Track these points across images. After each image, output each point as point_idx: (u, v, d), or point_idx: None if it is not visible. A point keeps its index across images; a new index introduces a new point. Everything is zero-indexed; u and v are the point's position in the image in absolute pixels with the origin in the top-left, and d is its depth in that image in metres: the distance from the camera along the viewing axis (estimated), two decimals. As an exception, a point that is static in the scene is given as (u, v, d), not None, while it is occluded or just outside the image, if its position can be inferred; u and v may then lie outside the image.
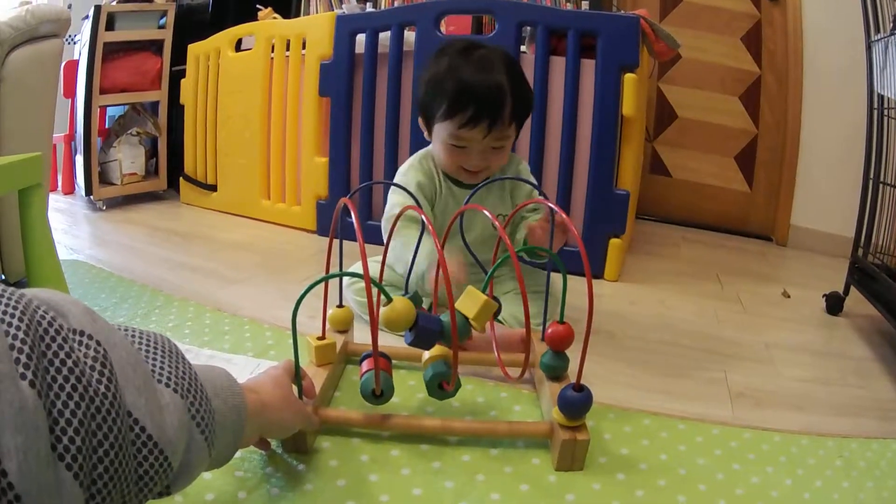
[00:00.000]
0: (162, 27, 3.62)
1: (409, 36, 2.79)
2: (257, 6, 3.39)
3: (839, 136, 3.39)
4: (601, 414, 1.56)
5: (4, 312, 0.54)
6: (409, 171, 1.91)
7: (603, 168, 2.54)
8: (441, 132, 1.75)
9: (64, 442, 0.54)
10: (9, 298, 0.56)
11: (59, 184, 3.89)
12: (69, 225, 2.92)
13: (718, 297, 2.64)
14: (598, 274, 2.64)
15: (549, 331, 1.42)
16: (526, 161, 2.10)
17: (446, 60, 1.73)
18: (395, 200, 1.84)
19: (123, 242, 2.53)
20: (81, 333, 0.62)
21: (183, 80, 3.54)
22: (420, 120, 1.83)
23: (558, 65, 2.55)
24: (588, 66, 2.51)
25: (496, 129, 1.68)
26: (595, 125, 2.51)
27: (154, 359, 0.73)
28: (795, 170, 3.63)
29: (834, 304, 2.54)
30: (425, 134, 1.84)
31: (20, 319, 0.54)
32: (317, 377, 1.40)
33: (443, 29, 2.78)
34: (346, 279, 1.91)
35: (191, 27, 3.60)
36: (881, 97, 2.33)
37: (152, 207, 3.16)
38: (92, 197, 3.21)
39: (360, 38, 2.85)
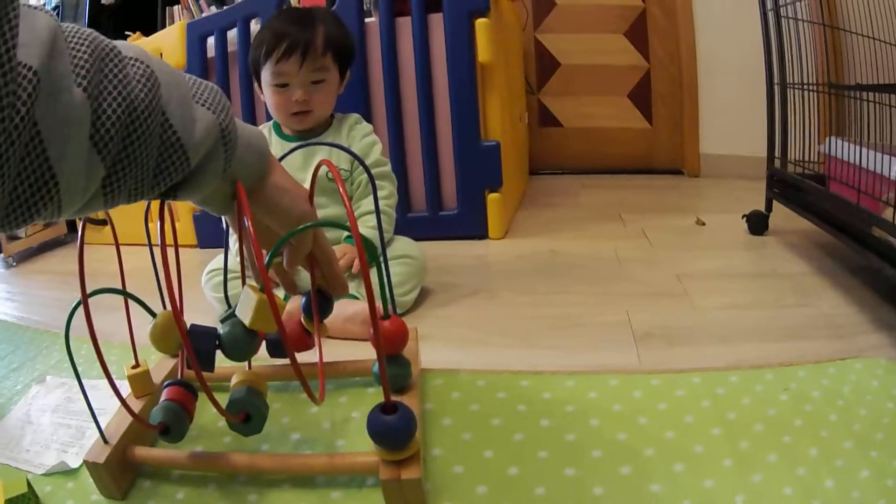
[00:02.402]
0: None
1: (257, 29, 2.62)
2: (126, 33, 3.28)
3: (738, 53, 3.27)
4: (469, 383, 1.33)
5: (74, 44, 0.66)
6: None
7: (466, 121, 2.44)
8: (266, 78, 1.81)
9: (101, 132, 0.67)
10: (79, 34, 0.68)
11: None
12: (-17, 286, 2.90)
13: (620, 237, 2.44)
14: (482, 234, 2.50)
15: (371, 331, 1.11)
16: (368, 125, 2.00)
17: (266, 23, 1.86)
18: None
19: (27, 292, 2.44)
20: (135, 59, 0.74)
21: (64, 118, 3.34)
22: (255, 85, 1.90)
23: (406, 25, 2.45)
24: (437, 21, 2.41)
25: (310, 56, 1.73)
26: (451, 78, 2.42)
27: (198, 87, 0.84)
28: (697, 97, 3.52)
29: (757, 223, 2.32)
30: (261, 96, 1.89)
31: (87, 47, 0.67)
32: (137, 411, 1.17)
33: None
34: (203, 275, 1.85)
35: None
36: None
37: (56, 254, 3.11)
38: (2, 255, 3.05)
39: (212, 42, 2.75)
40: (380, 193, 1.85)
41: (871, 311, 1.60)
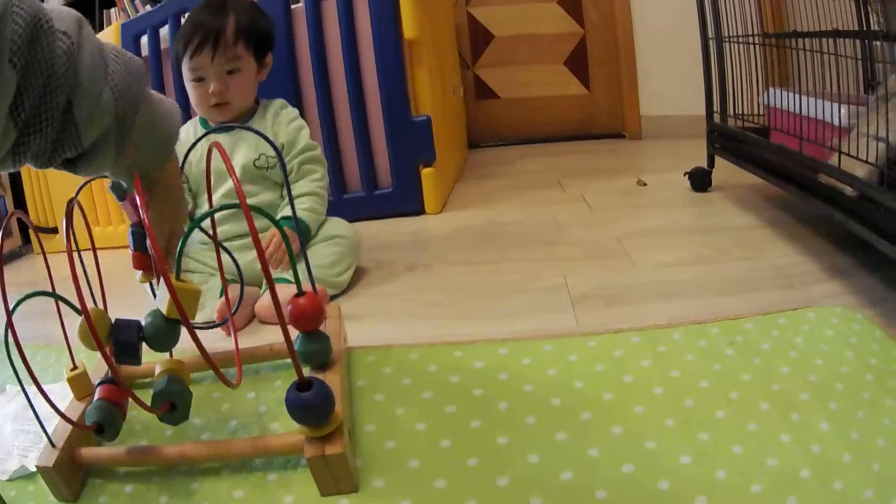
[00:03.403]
0: None
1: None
2: None
3: (673, 12, 3.23)
4: (401, 358, 1.30)
5: (15, 16, 0.72)
6: None
7: (395, 97, 2.42)
8: (184, 74, 1.81)
9: (19, 103, 0.74)
10: (21, 6, 0.73)
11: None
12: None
13: (559, 202, 2.41)
14: (419, 210, 2.46)
15: (289, 307, 1.12)
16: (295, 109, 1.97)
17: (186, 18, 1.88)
18: None
19: None
20: (64, 33, 0.78)
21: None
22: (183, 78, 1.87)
23: (331, 7, 2.41)
24: (362, 1, 2.39)
25: (221, 48, 1.72)
26: (377, 55, 2.40)
27: (116, 68, 0.85)
28: (634, 59, 3.51)
29: (699, 180, 2.29)
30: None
31: (24, 20, 0.72)
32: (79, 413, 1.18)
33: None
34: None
35: None
36: None
37: (11, 266, 3.03)
38: None
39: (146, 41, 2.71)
40: (313, 177, 1.84)
41: (823, 259, 1.56)
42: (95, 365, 1.34)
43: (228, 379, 0.99)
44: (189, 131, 1.91)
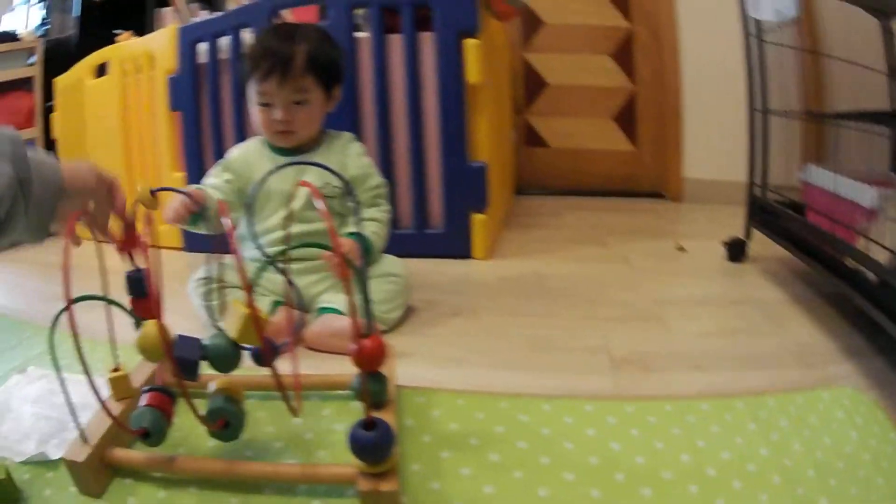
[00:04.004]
0: (31, 64, 3.52)
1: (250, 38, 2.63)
2: (114, 31, 3.19)
3: (721, 78, 3.22)
4: (449, 402, 1.36)
5: None
6: (233, 149, 1.97)
7: (454, 141, 2.42)
8: (251, 96, 1.80)
9: None
10: None
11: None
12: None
13: (602, 260, 2.45)
14: (466, 253, 2.47)
15: (353, 346, 1.11)
16: (361, 144, 1.99)
17: (255, 39, 1.90)
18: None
19: (7, 281, 2.47)
20: None
21: (52, 115, 3.38)
22: (247, 98, 1.87)
23: (396, 42, 2.44)
24: (427, 40, 2.41)
25: (289, 78, 1.72)
26: (440, 98, 2.41)
27: (2, 141, 0.93)
28: (680, 121, 3.48)
29: (735, 250, 2.34)
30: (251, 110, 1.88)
31: None
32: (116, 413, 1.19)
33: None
34: (191, 283, 1.84)
35: (60, 61, 3.43)
36: (757, 22, 2.24)
37: (47, 245, 2.99)
38: None
39: (204, 48, 2.72)
40: (382, 209, 1.87)
41: (841, 338, 1.63)
42: (132, 369, 1.36)
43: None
44: (251, 149, 1.92)
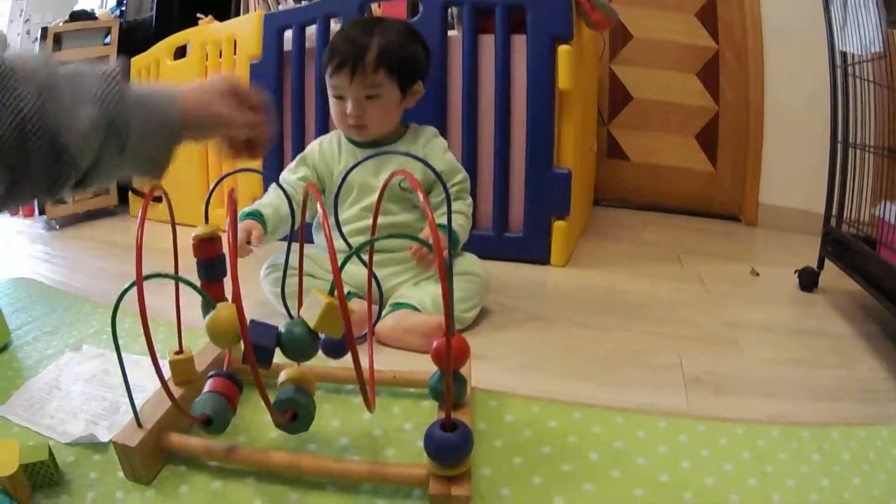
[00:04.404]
0: (107, 44, 3.57)
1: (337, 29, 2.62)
2: (198, 15, 3.26)
3: (804, 107, 3.23)
4: (523, 408, 1.36)
5: None
6: (313, 142, 1.99)
7: (540, 146, 2.44)
8: (327, 88, 1.81)
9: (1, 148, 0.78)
10: None
11: (21, 208, 3.75)
12: (23, 245, 2.91)
13: (677, 279, 2.44)
14: (544, 259, 2.50)
15: (434, 344, 1.12)
16: (443, 139, 2.00)
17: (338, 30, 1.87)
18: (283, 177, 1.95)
19: (69, 257, 2.52)
20: (26, 78, 0.81)
21: (126, 95, 3.41)
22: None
23: (488, 43, 2.46)
24: (520, 42, 2.42)
25: (360, 73, 1.72)
26: (529, 102, 2.42)
27: (90, 80, 0.88)
28: (761, 145, 3.44)
29: (807, 280, 2.36)
30: None
31: None
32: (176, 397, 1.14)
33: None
34: (263, 269, 1.86)
35: (136, 42, 3.52)
36: (843, 55, 2.24)
37: (103, 223, 3.19)
38: (45, 217, 3.21)
39: (289, 36, 2.75)
40: (466, 202, 1.89)
41: None
42: (196, 353, 1.34)
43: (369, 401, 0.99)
44: (333, 141, 1.93)
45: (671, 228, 3.42)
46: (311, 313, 1.02)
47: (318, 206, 0.99)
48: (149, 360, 1.00)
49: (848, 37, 2.17)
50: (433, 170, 1.21)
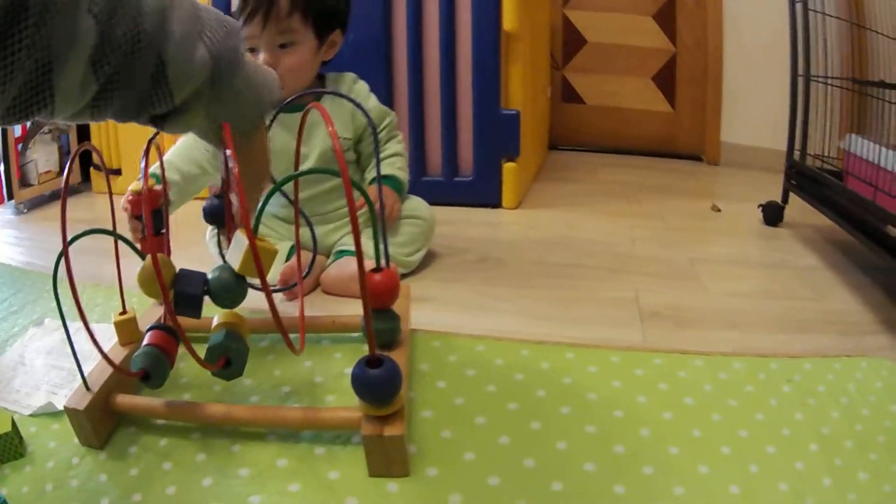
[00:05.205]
0: None
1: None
2: None
3: (766, 46, 3.17)
4: (468, 347, 1.31)
5: None
6: None
7: (486, 88, 2.39)
8: None
9: (101, 55, 0.72)
10: None
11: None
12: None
13: (637, 216, 2.41)
14: (496, 202, 2.46)
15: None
16: (365, 84, 1.89)
17: None
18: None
19: (35, 238, 2.47)
20: None
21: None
22: None
23: None
24: None
25: (272, 19, 1.60)
26: (475, 44, 2.36)
27: (212, 24, 0.85)
28: (721, 84, 3.46)
29: (772, 214, 2.29)
30: None
31: None
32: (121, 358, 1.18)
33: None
34: (208, 230, 1.80)
35: None
36: None
37: (69, 202, 2.97)
38: (14, 201, 3.08)
39: None
40: (398, 139, 1.84)
41: (879, 310, 1.57)
42: (144, 312, 1.33)
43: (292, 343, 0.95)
44: None
45: (631, 168, 3.38)
46: (234, 256, 0.99)
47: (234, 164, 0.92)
48: (101, 327, 1.11)
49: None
50: (367, 116, 1.19)
